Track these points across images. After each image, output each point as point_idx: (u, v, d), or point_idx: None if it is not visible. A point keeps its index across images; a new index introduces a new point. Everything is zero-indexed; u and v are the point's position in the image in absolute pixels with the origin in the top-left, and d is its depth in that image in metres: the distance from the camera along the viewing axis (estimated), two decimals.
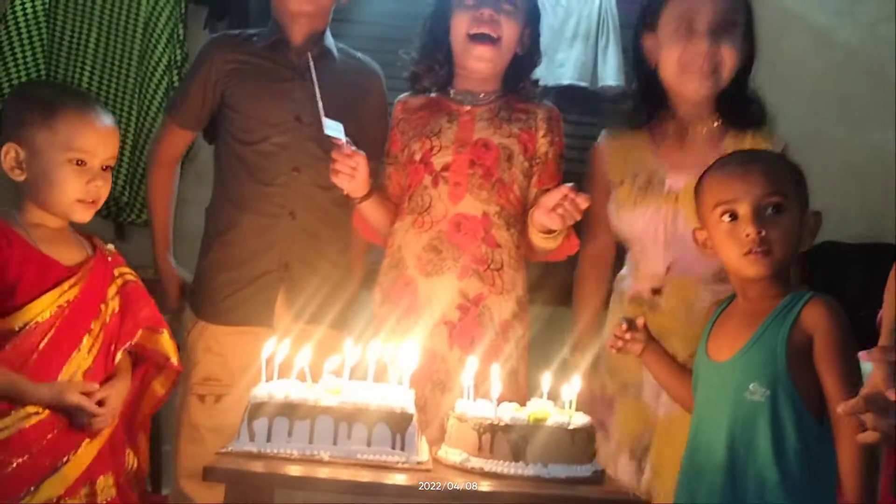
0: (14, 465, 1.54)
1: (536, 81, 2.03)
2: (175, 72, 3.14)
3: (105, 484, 1.61)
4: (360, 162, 1.86)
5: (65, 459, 1.58)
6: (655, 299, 1.88)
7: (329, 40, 2.09)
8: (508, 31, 1.92)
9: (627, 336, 1.71)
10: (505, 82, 1.99)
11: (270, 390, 1.43)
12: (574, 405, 1.53)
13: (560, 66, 3.23)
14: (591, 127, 3.34)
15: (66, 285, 1.62)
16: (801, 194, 1.62)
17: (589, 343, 1.96)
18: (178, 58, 3.15)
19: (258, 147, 2.00)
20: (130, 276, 1.77)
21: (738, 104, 1.88)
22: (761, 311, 1.58)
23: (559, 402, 1.54)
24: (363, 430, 1.40)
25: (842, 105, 3.28)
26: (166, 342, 1.75)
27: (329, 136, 1.83)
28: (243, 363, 1.91)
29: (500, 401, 1.49)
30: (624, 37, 3.20)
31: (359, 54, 2.15)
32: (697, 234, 1.69)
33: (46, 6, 3.06)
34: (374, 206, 1.96)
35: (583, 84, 3.21)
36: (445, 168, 1.93)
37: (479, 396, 1.62)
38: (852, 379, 1.46)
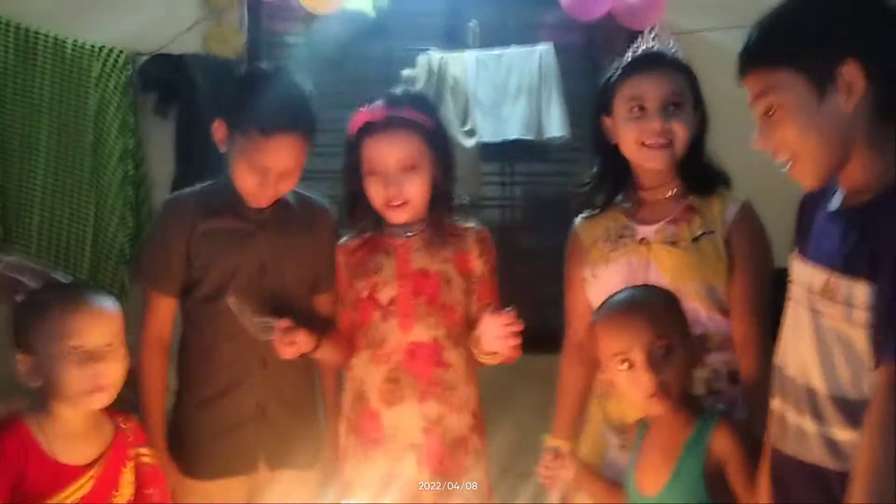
0: None
1: (460, 205, 2.14)
2: (130, 160, 3.19)
3: None
4: (297, 336, 1.97)
5: None
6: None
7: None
8: (414, 188, 2.03)
9: (556, 465, 1.85)
10: (431, 203, 2.09)
11: None
12: None
13: (506, 122, 3.33)
14: (539, 176, 3.50)
15: (77, 484, 1.73)
16: (682, 325, 1.77)
17: (569, 433, 2.06)
18: (132, 146, 3.20)
19: (226, 303, 2.05)
20: (145, 456, 1.85)
21: (695, 171, 2.01)
22: (677, 441, 1.73)
23: None
24: None
25: None
26: None
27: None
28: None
29: None
30: (565, 87, 3.31)
31: (306, 195, 2.22)
32: (602, 375, 1.85)
33: None
34: (326, 351, 2.07)
35: (528, 137, 3.31)
36: (392, 302, 2.05)
37: None
38: None
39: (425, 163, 2.05)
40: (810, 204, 1.53)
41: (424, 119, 2.07)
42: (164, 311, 2.09)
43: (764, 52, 1.42)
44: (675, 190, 2.01)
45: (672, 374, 1.71)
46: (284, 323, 1.95)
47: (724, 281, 1.92)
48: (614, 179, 2.06)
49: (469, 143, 3.24)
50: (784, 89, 1.39)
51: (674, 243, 1.95)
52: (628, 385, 1.74)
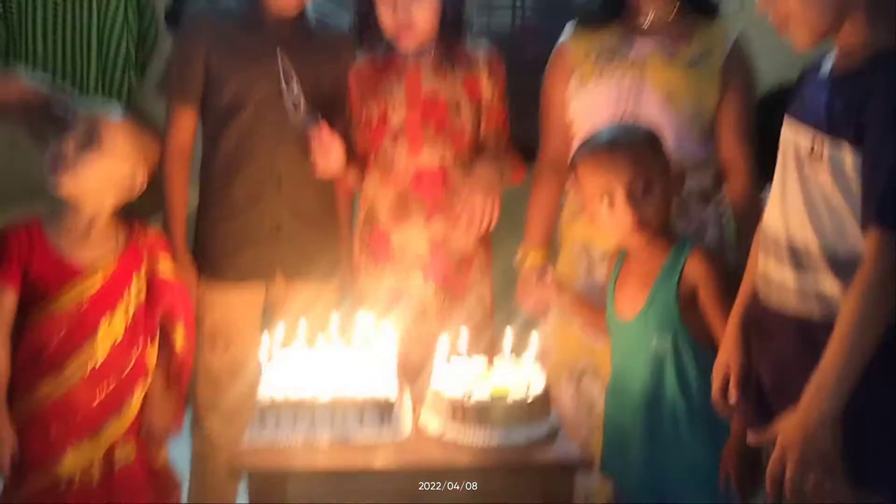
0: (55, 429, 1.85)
1: (470, 27, 2.13)
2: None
3: (123, 451, 1.91)
4: (335, 147, 2.02)
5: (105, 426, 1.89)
6: None
7: (306, 10, 2.15)
8: (423, 13, 2.02)
9: (539, 285, 1.97)
10: (442, 27, 2.08)
11: (274, 393, 1.69)
12: (534, 360, 1.81)
13: None
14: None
15: (82, 283, 1.86)
16: (662, 161, 1.82)
17: (542, 244, 2.18)
18: None
19: (245, 119, 2.12)
20: (163, 270, 1.96)
21: None
22: (653, 269, 1.84)
23: (522, 357, 1.82)
24: (356, 416, 1.68)
25: None
26: (178, 332, 1.97)
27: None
28: (246, 312, 2.19)
29: (470, 331, 1.85)
30: None
31: (327, 15, 2.22)
32: (585, 209, 1.90)
33: None
34: (352, 174, 2.13)
35: None
36: (401, 126, 2.09)
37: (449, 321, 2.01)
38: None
39: None
40: (808, 75, 1.55)
41: None
42: (186, 123, 2.17)
43: None
44: (675, 10, 2.02)
45: (651, 209, 1.79)
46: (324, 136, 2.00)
47: (713, 105, 1.99)
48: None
49: None
50: None
51: (671, 62, 1.99)
52: (609, 220, 1.82)
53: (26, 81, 1.96)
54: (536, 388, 1.74)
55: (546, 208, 2.18)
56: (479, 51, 2.13)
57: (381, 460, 1.65)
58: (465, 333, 1.86)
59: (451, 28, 2.08)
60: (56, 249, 1.87)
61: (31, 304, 1.86)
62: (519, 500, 1.66)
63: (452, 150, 2.10)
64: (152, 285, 1.96)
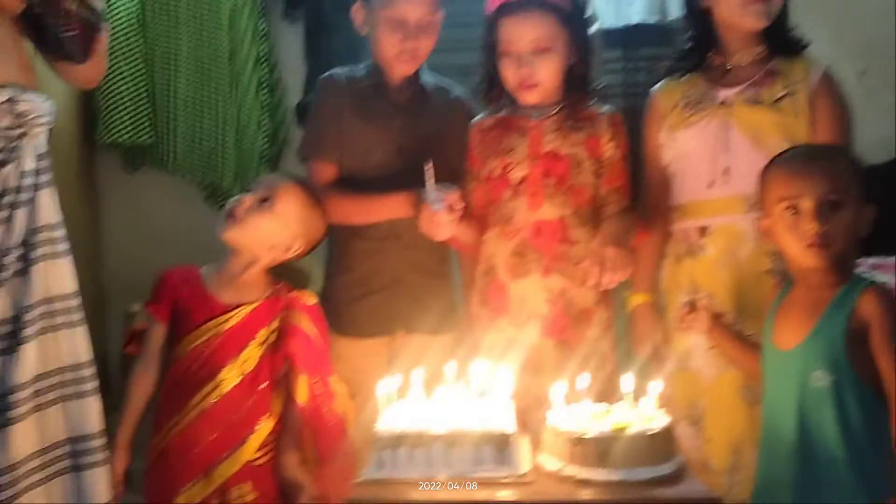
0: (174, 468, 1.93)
1: (596, 88, 2.17)
2: (264, 65, 3.35)
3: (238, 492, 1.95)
4: (447, 220, 2.07)
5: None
6: (702, 242, 2.07)
7: (424, 77, 2.28)
8: (546, 70, 2.09)
9: (691, 317, 1.91)
10: (567, 86, 2.13)
11: (391, 425, 1.70)
12: (657, 403, 1.75)
13: (629, 5, 3.28)
14: (663, 61, 3.41)
15: (220, 319, 1.99)
16: (858, 189, 1.75)
17: (647, 292, 2.19)
18: (265, 51, 3.35)
19: (366, 176, 2.22)
20: (297, 321, 2.05)
21: (781, 33, 2.08)
22: (821, 300, 1.74)
23: (643, 400, 1.77)
24: (472, 452, 1.66)
25: None
26: (301, 384, 2.01)
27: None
28: (370, 365, 2.20)
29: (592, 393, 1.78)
30: None
31: (445, 82, 2.33)
32: (761, 221, 1.84)
33: (138, 18, 3.28)
34: (461, 231, 2.16)
35: (652, 21, 3.25)
36: (522, 181, 2.13)
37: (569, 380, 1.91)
38: None
39: (559, 45, 2.08)
40: None
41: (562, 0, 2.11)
42: (328, 179, 2.26)
43: None
44: (759, 53, 2.08)
45: (835, 228, 1.72)
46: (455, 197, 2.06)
47: (804, 140, 1.99)
48: (703, 45, 2.12)
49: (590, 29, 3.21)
50: None
51: (757, 103, 2.04)
52: (789, 232, 1.76)
53: None
54: (658, 424, 1.68)
55: (651, 253, 2.20)
56: (602, 112, 2.16)
57: (500, 496, 1.62)
58: (586, 378, 1.83)
59: (575, 88, 2.13)
60: (205, 287, 2.03)
61: (176, 341, 2.00)
62: None
63: (573, 205, 2.11)
64: (284, 332, 2.03)
